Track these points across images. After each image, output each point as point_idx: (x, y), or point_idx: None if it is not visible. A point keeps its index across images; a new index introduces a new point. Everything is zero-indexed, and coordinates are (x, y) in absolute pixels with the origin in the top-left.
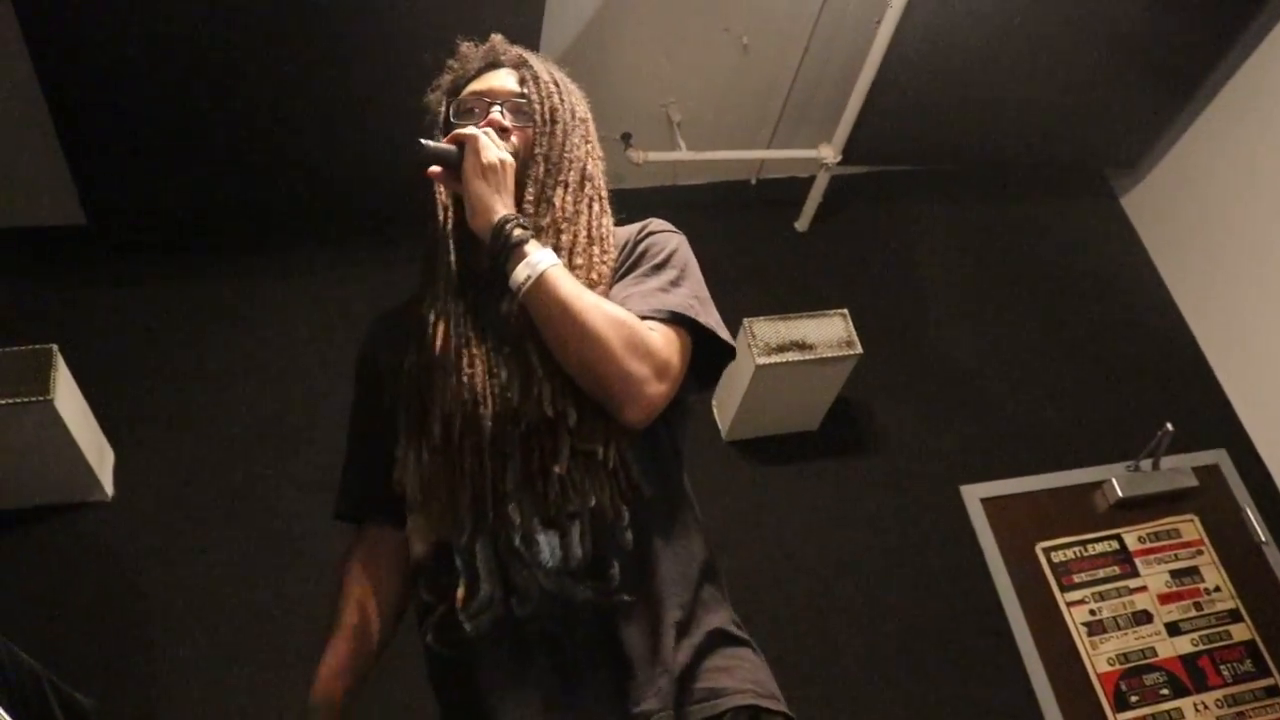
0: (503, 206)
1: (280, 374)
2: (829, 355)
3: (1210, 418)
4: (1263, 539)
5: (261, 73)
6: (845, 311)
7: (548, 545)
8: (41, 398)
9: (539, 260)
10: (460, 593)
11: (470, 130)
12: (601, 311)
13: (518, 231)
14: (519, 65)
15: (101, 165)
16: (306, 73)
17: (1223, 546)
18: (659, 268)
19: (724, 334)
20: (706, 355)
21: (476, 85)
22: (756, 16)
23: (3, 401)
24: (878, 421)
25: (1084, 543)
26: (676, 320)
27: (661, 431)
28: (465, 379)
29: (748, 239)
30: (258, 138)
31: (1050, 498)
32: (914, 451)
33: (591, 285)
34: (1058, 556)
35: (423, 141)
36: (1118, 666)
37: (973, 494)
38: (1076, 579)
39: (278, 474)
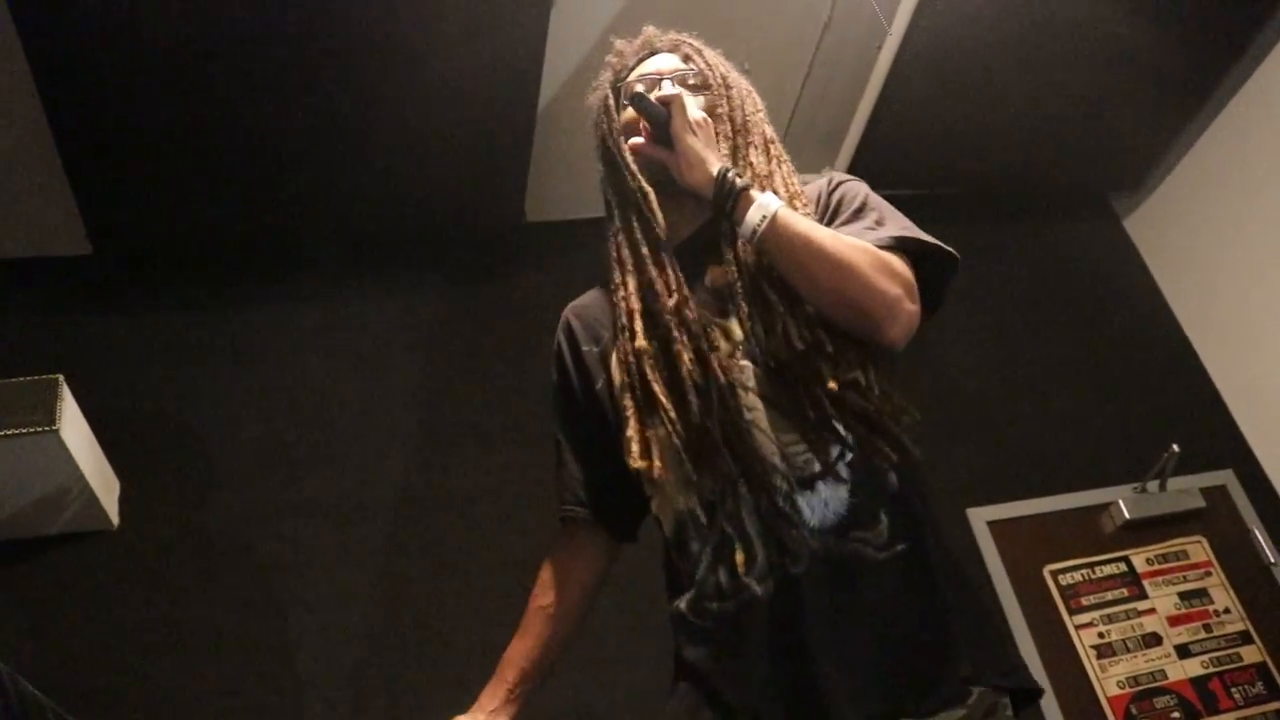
0: (718, 158)
1: (287, 403)
2: None
3: (1216, 438)
4: (1272, 559)
5: (266, 102)
6: None
7: (807, 504)
8: (47, 428)
9: (768, 202)
10: (739, 557)
11: (671, 90)
12: (842, 240)
13: (740, 179)
14: (676, 46)
15: (106, 195)
16: (311, 102)
17: (1231, 568)
18: (859, 211)
19: (947, 246)
20: (926, 279)
21: (640, 70)
22: (757, 43)
23: (8, 432)
24: None
25: (1092, 565)
26: (897, 245)
27: (891, 365)
28: (697, 344)
29: None
30: (263, 168)
31: (1057, 520)
32: None
33: None
34: (1065, 579)
35: (639, 92)
36: (1128, 689)
37: (979, 517)
38: (1085, 601)
39: (284, 503)
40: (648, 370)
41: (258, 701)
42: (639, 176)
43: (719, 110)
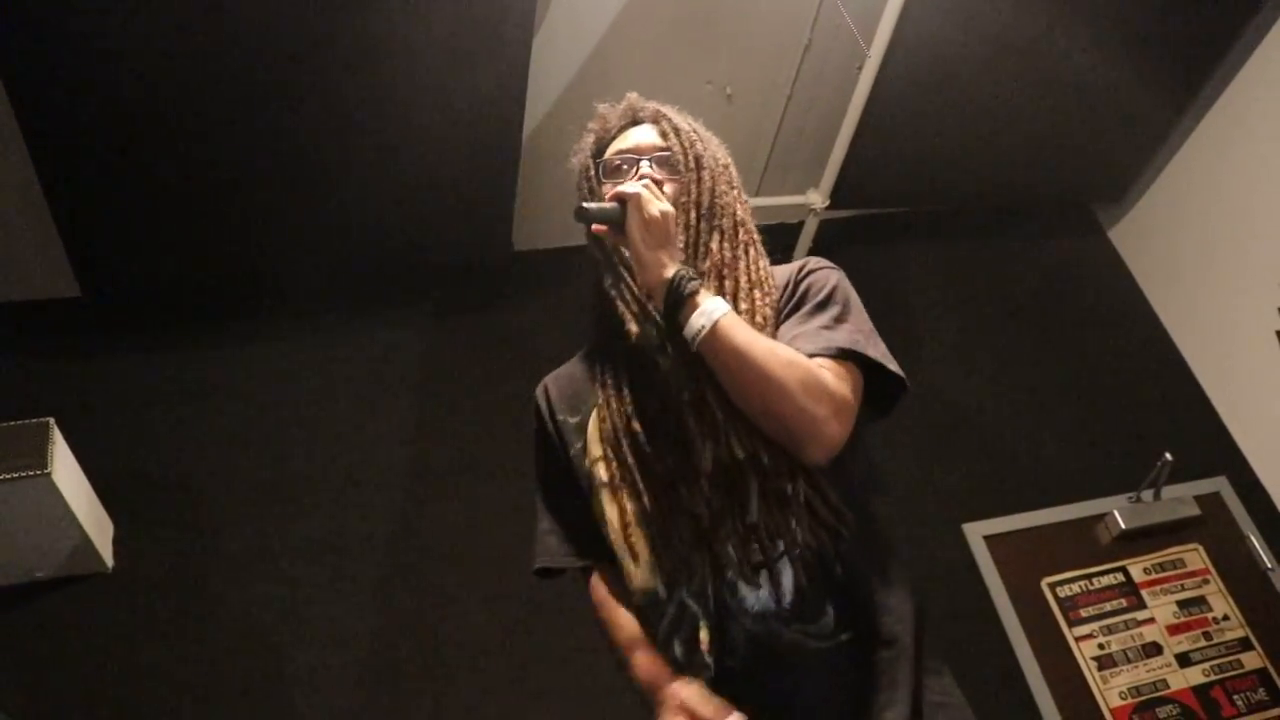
0: (671, 261)
1: (278, 441)
2: None
3: (1208, 445)
4: (1268, 565)
5: (252, 143)
6: None
7: (752, 592)
8: (39, 472)
9: (713, 309)
10: (704, 636)
11: (630, 188)
12: (776, 355)
13: (691, 284)
14: (657, 119)
15: (95, 238)
16: (296, 140)
17: (1229, 574)
18: (822, 305)
19: (892, 365)
20: (879, 385)
21: (620, 144)
22: (739, 67)
23: (1, 477)
24: (877, 463)
25: (1089, 576)
26: (845, 356)
27: (848, 462)
28: (650, 438)
29: None
30: (250, 208)
31: (1053, 532)
32: (914, 491)
33: (757, 329)
34: (1064, 591)
35: (584, 205)
36: (1130, 700)
37: (975, 532)
38: (1084, 613)
39: (279, 542)
40: (616, 452)
41: None
42: (606, 256)
43: (682, 199)
